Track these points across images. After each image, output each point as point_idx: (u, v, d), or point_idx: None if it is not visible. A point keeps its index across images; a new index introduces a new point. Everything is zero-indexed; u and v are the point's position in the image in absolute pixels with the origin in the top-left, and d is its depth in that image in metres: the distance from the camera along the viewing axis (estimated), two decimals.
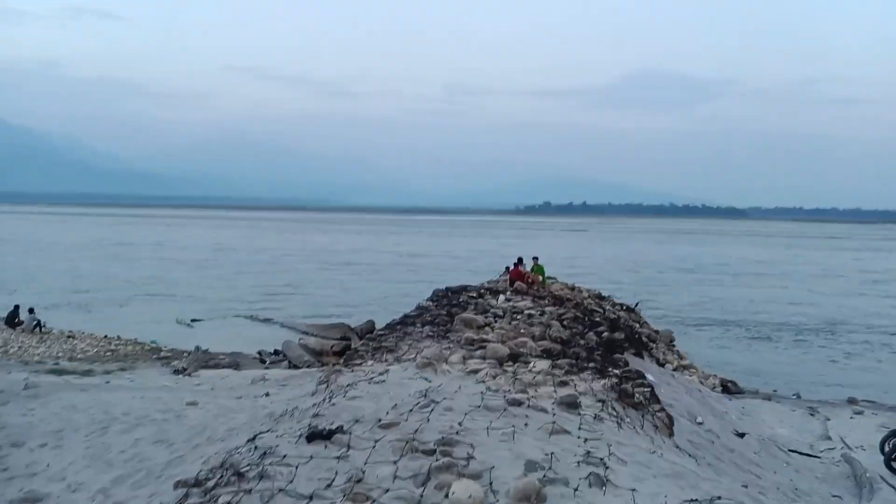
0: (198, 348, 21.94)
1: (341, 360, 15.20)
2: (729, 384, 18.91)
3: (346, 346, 19.39)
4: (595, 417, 7.90)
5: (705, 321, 33.11)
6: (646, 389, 10.02)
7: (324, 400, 7.93)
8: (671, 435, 9.19)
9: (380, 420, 6.81)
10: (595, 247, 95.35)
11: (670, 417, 9.73)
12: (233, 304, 35.53)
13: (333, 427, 6.45)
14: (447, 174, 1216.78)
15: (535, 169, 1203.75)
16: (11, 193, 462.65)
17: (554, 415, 7.53)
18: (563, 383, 9.43)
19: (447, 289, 19.78)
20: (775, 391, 19.57)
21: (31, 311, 24.46)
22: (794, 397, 18.76)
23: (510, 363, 10.55)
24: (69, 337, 23.90)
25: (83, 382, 13.32)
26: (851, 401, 18.01)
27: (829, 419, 15.58)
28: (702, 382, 17.92)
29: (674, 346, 21.36)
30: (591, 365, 10.99)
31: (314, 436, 6.29)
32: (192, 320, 30.55)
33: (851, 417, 15.91)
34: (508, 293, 18.83)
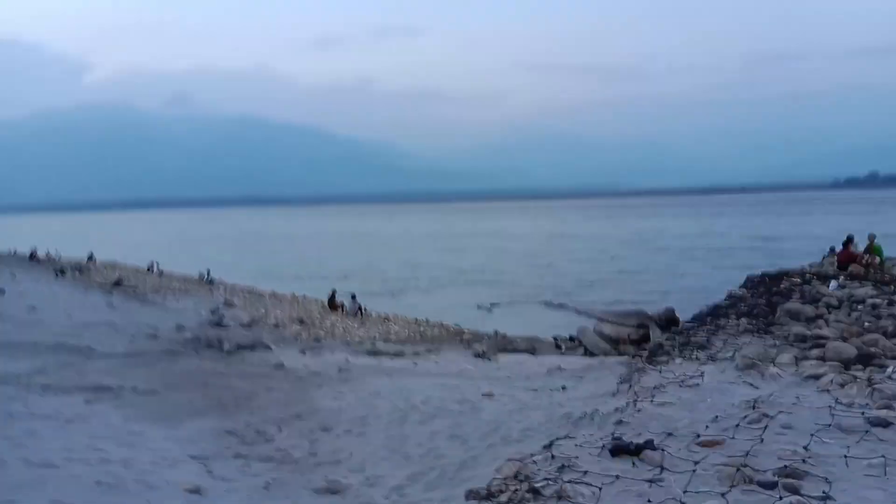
0: (496, 332, 22.54)
1: (640, 351, 14.10)
2: None
3: (644, 336, 18.29)
4: None
5: None
6: None
7: (627, 404, 6.96)
8: None
9: (698, 436, 5.66)
10: None
11: None
12: (542, 291, 35.92)
13: (641, 441, 5.49)
14: (749, 148, 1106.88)
15: (854, 136, 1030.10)
16: (342, 195, 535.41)
17: None
18: None
19: (763, 274, 17.40)
20: None
21: (353, 296, 27.33)
22: None
23: (860, 367, 8.45)
24: (385, 320, 26.22)
25: (393, 365, 14.15)
26: None
27: None
28: None
29: None
30: None
31: (619, 449, 5.40)
32: (492, 304, 31.65)
33: None
34: (841, 278, 15.90)
